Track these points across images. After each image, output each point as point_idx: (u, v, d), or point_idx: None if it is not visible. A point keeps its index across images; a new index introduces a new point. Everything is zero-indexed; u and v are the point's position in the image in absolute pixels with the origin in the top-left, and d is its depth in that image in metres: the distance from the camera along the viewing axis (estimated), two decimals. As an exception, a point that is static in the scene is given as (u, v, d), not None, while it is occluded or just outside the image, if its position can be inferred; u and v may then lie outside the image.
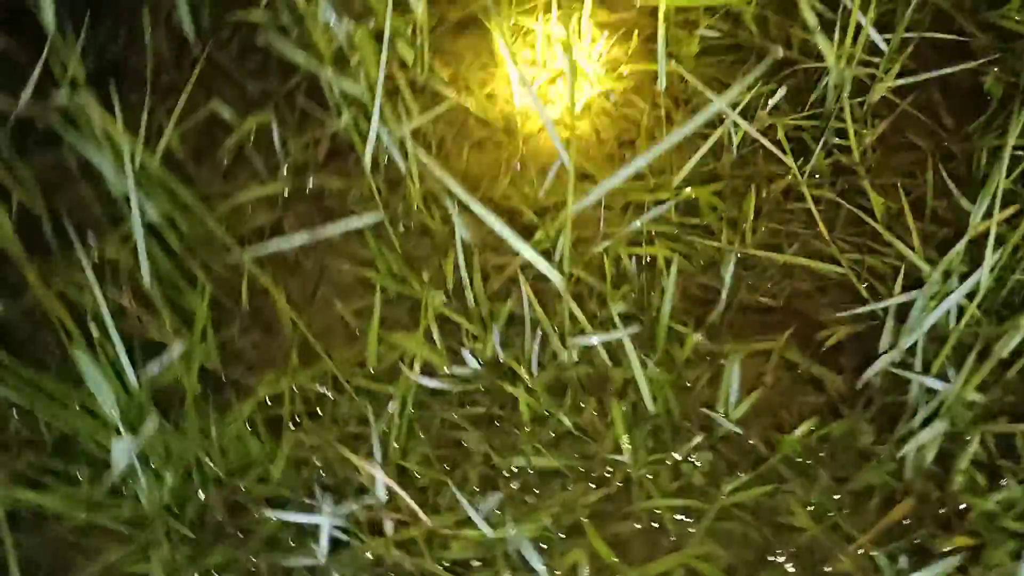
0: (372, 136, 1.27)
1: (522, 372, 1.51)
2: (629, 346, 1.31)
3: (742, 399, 1.50)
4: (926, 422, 1.36)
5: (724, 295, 1.46)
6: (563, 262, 1.11)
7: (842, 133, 1.75)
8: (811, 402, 1.56)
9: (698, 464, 1.48)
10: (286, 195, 1.75)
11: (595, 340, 1.29)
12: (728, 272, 1.43)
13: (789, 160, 1.62)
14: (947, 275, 1.35)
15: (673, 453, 1.47)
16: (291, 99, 1.83)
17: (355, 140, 1.68)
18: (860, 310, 1.54)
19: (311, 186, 1.76)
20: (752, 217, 1.68)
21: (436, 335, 1.54)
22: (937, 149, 1.84)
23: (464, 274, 1.51)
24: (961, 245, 1.29)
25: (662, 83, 1.33)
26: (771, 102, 1.73)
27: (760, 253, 1.65)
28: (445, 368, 1.53)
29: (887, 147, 1.81)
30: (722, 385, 1.50)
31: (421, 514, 1.28)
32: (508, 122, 1.86)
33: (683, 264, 1.65)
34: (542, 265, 1.09)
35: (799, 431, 1.46)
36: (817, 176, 1.75)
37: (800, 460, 1.48)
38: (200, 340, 1.47)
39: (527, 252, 1.08)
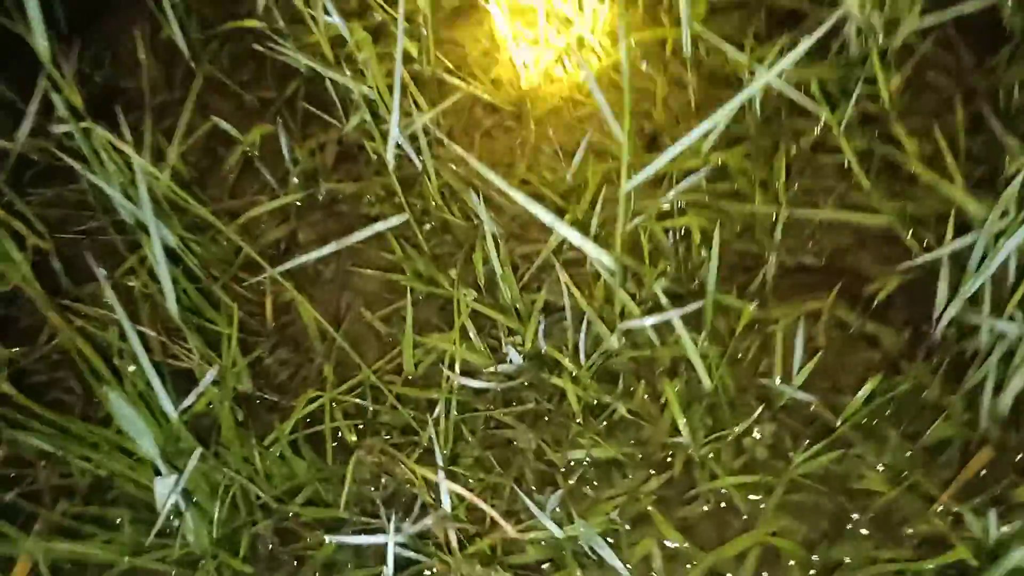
0: (393, 132, 1.21)
1: (567, 362, 1.45)
2: (679, 325, 1.24)
3: (801, 365, 1.44)
4: (999, 369, 1.30)
5: (774, 258, 1.39)
6: (614, 243, 1.05)
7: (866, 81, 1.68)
8: (869, 360, 1.49)
9: (760, 437, 1.41)
10: (299, 205, 1.68)
11: (648, 322, 1.23)
12: (777, 234, 1.37)
13: (825, 112, 1.55)
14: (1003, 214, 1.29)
15: (734, 428, 1.40)
16: (292, 105, 1.76)
17: (367, 140, 1.62)
18: (924, 259, 1.46)
19: (323, 193, 1.69)
20: (784, 176, 1.62)
21: (472, 333, 1.48)
22: (961, 88, 1.77)
23: (497, 266, 1.44)
24: (1019, 181, 1.23)
25: (687, 47, 1.27)
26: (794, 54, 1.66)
27: (800, 212, 1.59)
28: (486, 367, 1.46)
29: (911, 92, 1.74)
30: (776, 352, 1.44)
31: (503, 522, 1.22)
32: (517, 107, 1.79)
33: (716, 231, 1.59)
34: (592, 250, 1.03)
35: (862, 392, 1.40)
36: (843, 127, 1.69)
37: (866, 422, 1.42)
38: (231, 366, 1.40)
39: (576, 238, 1.01)
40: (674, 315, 1.16)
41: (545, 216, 1.02)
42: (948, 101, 1.73)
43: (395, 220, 1.36)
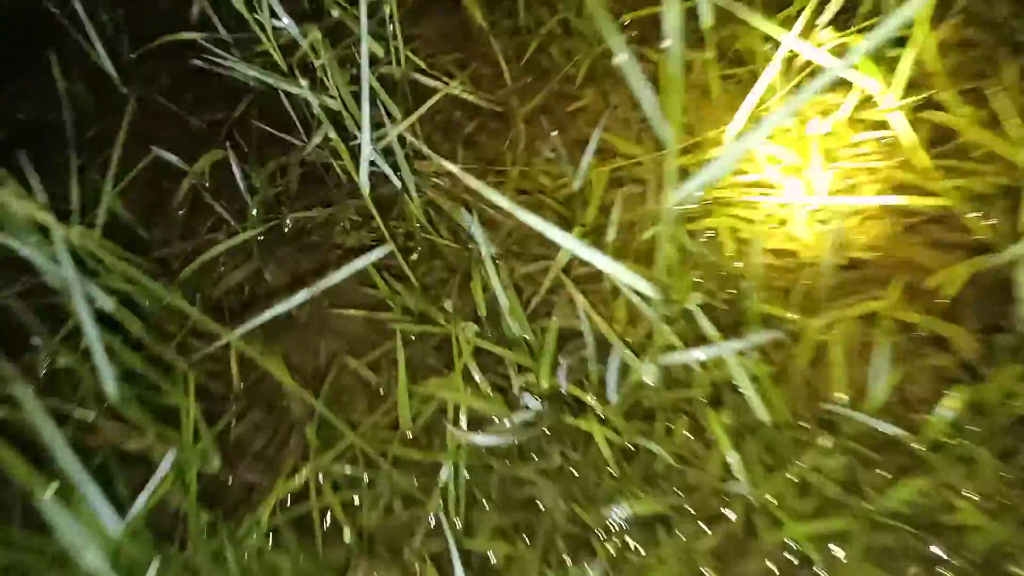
0: (365, 148, 0.98)
1: (591, 401, 1.23)
2: (729, 350, 1.02)
3: (868, 381, 1.22)
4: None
5: (830, 254, 1.17)
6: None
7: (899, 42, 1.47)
8: (941, 367, 1.27)
9: (830, 472, 1.19)
10: (261, 240, 1.46)
11: (695, 356, 1.00)
12: (838, 225, 1.14)
13: (876, 81, 1.33)
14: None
15: (798, 462, 1.18)
16: (244, 126, 1.53)
17: (334, 159, 1.39)
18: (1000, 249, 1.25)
19: (289, 224, 1.46)
20: (818, 159, 1.40)
21: (477, 375, 1.26)
22: (1001, 43, 1.56)
23: (499, 292, 1.22)
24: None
25: (706, 17, 1.05)
26: (821, 21, 1.45)
27: (840, 201, 1.37)
28: (497, 414, 1.24)
29: (949, 51, 1.52)
30: (834, 366, 1.22)
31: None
32: (503, 105, 1.57)
33: (749, 230, 1.37)
34: (624, 275, 0.81)
35: (944, 406, 1.18)
36: (866, 103, 1.47)
37: (950, 442, 1.20)
38: (193, 442, 1.17)
39: (601, 260, 0.79)
40: (728, 349, 0.94)
41: (555, 234, 0.79)
42: (987, 59, 1.52)
43: (377, 253, 1.13)
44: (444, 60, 1.62)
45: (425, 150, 0.71)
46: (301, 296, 1.03)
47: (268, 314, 1.03)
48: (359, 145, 1.26)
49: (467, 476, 1.20)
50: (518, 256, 1.43)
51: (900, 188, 1.40)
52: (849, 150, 1.44)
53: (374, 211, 1.09)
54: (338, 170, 1.46)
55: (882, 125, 1.45)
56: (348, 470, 1.21)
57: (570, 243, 0.81)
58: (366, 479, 1.22)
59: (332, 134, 1.36)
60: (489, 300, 1.30)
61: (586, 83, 1.61)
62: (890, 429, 1.14)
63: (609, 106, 1.59)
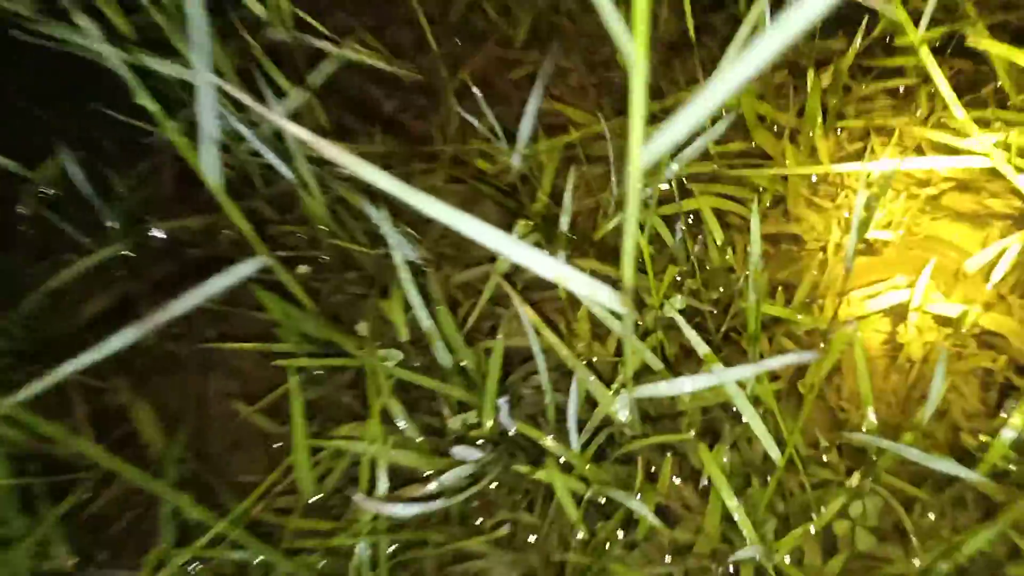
0: (204, 122, 0.70)
1: (549, 443, 0.96)
2: (728, 377, 0.74)
3: (903, 394, 0.96)
4: None
5: (841, 236, 0.91)
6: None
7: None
8: (990, 372, 1.02)
9: (861, 517, 0.93)
10: (126, 257, 1.17)
11: (681, 388, 0.72)
12: (862, 201, 0.88)
13: (897, 9, 1.07)
14: None
15: (820, 508, 0.92)
16: (100, 119, 1.24)
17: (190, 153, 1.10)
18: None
19: (161, 237, 1.18)
20: (820, 119, 1.13)
21: (401, 418, 0.98)
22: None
23: (420, 312, 0.95)
24: None
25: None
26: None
27: (851, 168, 1.10)
28: (428, 469, 0.97)
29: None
30: (856, 380, 0.96)
31: None
32: (428, 76, 1.29)
33: (739, 212, 1.11)
34: (581, 283, 0.54)
35: (1001, 423, 0.92)
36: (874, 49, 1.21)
37: (1013, 468, 0.94)
38: (28, 533, 0.89)
39: (545, 264, 0.52)
40: (727, 376, 0.67)
41: (482, 231, 0.52)
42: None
43: (250, 266, 0.85)
44: (352, 23, 1.34)
45: (313, 139, 0.49)
46: (131, 334, 0.75)
47: (112, 345, 0.75)
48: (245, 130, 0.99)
49: (391, 554, 0.92)
50: (453, 261, 1.15)
51: (923, 149, 1.14)
52: (857, 106, 1.17)
53: (233, 212, 0.80)
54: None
55: (894, 73, 1.19)
56: (236, 555, 0.93)
57: (503, 243, 0.54)
58: (257, 564, 0.94)
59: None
60: (414, 320, 1.03)
61: (529, 45, 1.34)
62: (939, 463, 0.87)
63: (558, 71, 1.31)
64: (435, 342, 1.01)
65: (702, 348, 0.88)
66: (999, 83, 1.15)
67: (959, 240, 1.12)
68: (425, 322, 0.97)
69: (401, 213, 1.20)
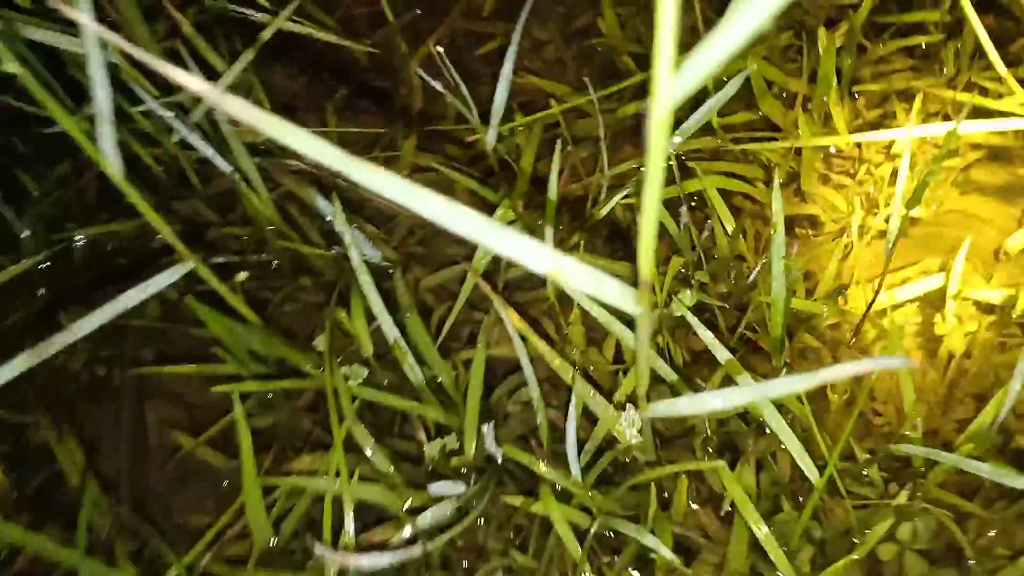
0: (100, 104, 0.56)
1: (543, 469, 0.83)
2: (754, 393, 0.61)
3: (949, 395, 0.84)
4: None
5: (897, 212, 0.78)
6: (641, 247, 0.42)
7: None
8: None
9: (914, 542, 0.81)
10: (45, 269, 1.03)
11: (712, 404, 0.59)
12: (905, 173, 0.75)
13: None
14: None
15: (865, 532, 0.80)
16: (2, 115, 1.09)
17: (138, 145, 0.97)
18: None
19: (82, 245, 1.04)
20: (834, 84, 1.01)
21: (368, 447, 0.85)
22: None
23: (386, 322, 0.82)
24: None
25: None
26: None
27: (874, 136, 0.98)
28: (402, 507, 0.83)
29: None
30: (902, 386, 0.83)
31: None
32: (386, 51, 1.16)
33: (749, 192, 0.99)
34: (599, 282, 0.41)
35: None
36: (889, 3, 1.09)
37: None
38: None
39: (539, 257, 0.39)
40: (764, 391, 0.54)
41: (458, 219, 0.39)
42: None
43: (168, 277, 0.72)
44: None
45: (230, 103, 0.39)
46: (22, 363, 0.62)
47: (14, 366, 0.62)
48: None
49: (361, 611, 0.79)
50: (423, 260, 1.02)
51: (950, 115, 1.02)
52: (874, 68, 1.05)
53: (141, 205, 0.66)
54: (148, 160, 1.03)
55: (914, 30, 1.07)
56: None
57: (484, 232, 0.41)
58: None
59: (131, 107, 0.94)
60: (379, 331, 0.89)
61: (498, 15, 1.21)
62: (1007, 477, 0.75)
63: (533, 43, 1.19)
64: (404, 356, 0.87)
65: (722, 353, 0.75)
66: (1031, 36, 1.04)
67: (994, 215, 1.01)
68: (391, 333, 0.84)
69: (360, 208, 1.07)
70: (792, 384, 0.52)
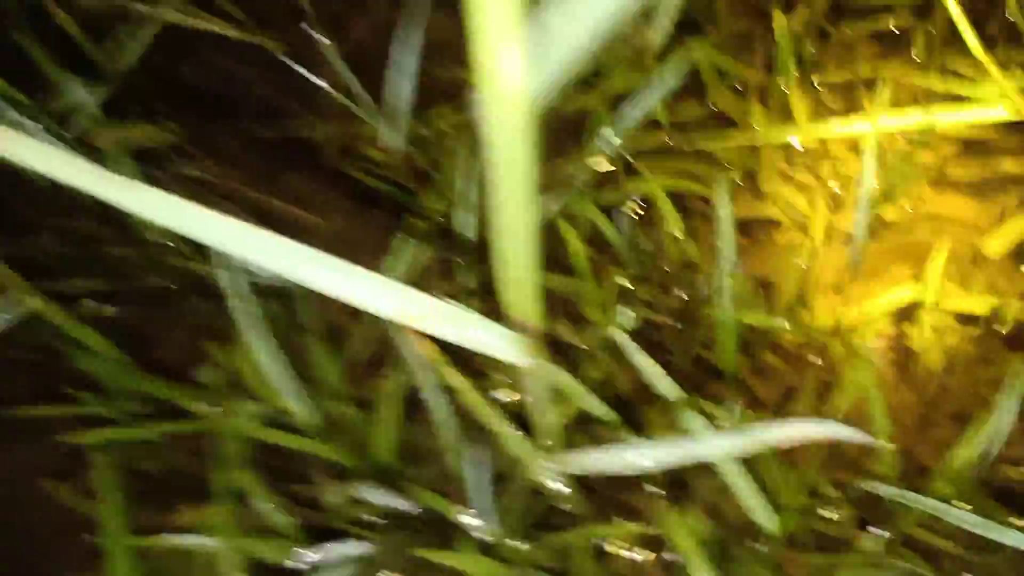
0: None
1: (461, 517, 0.72)
2: (684, 451, 0.51)
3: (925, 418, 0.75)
4: None
5: (862, 215, 0.69)
6: (509, 282, 0.32)
7: None
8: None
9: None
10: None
11: (642, 460, 0.47)
12: (871, 170, 0.66)
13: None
14: None
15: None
16: None
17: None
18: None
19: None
20: (793, 73, 0.92)
21: (256, 493, 0.74)
22: None
23: (261, 351, 0.71)
24: None
25: None
26: None
27: (831, 128, 0.89)
28: (297, 562, 0.73)
29: None
30: (874, 415, 0.74)
31: None
32: (298, 47, 1.06)
33: (701, 193, 0.89)
34: (476, 332, 0.31)
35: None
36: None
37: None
38: None
39: (436, 323, 0.29)
40: (704, 449, 0.43)
41: (255, 245, 0.28)
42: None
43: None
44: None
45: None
46: None
47: None
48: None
49: None
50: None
51: (923, 100, 0.93)
52: (838, 55, 0.96)
53: None
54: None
55: (881, 12, 0.98)
56: None
57: (293, 261, 0.30)
58: None
59: None
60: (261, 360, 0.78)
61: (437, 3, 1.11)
62: (990, 528, 0.65)
63: (462, 30, 1.08)
64: (289, 392, 0.77)
65: (665, 386, 0.65)
66: (1008, 14, 0.95)
67: (972, 215, 0.91)
68: (270, 368, 0.73)
69: (267, 216, 0.96)
70: (729, 442, 0.42)
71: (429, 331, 0.33)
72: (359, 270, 0.30)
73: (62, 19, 0.94)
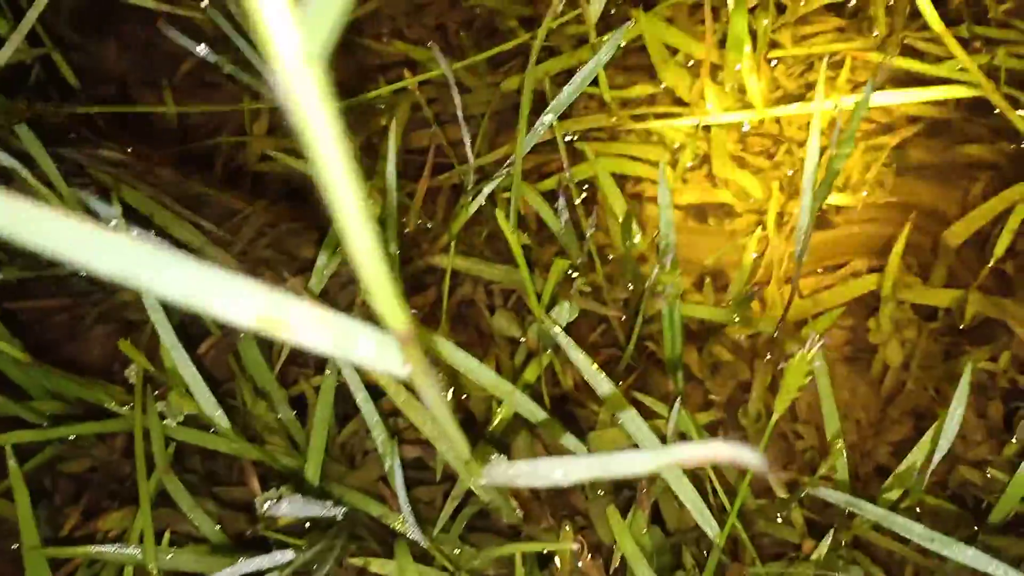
0: None
1: (398, 523, 0.71)
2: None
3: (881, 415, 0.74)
4: None
5: (807, 202, 0.67)
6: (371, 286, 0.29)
7: None
8: (987, 374, 0.80)
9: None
10: None
11: (556, 475, 0.46)
12: (815, 155, 0.64)
13: None
14: None
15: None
16: None
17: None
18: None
19: None
20: (748, 49, 0.89)
21: (183, 498, 0.72)
22: None
23: (173, 351, 0.69)
24: None
25: None
26: None
27: (788, 113, 0.87)
28: (228, 571, 0.70)
29: None
30: (824, 416, 0.73)
31: None
32: (222, 12, 1.02)
33: (648, 177, 0.87)
34: (366, 351, 0.28)
35: (1015, 445, 0.70)
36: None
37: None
38: None
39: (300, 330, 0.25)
40: (602, 468, 0.42)
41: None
42: None
43: None
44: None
45: None
46: None
47: None
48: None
49: None
50: (277, 265, 0.89)
51: (882, 83, 0.91)
52: (795, 30, 0.93)
53: None
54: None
55: (841, -14, 0.96)
56: None
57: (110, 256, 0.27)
58: None
59: None
60: (212, 357, 0.76)
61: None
62: (927, 537, 0.64)
63: (411, 5, 1.05)
64: (199, 392, 0.74)
65: (601, 385, 0.63)
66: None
67: (933, 201, 0.90)
68: (184, 369, 0.71)
69: (198, 205, 0.93)
70: (642, 461, 0.40)
71: (297, 341, 0.30)
72: (212, 272, 0.27)
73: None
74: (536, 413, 0.67)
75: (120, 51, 1.07)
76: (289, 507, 0.74)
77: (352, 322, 0.32)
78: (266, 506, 0.74)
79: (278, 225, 0.96)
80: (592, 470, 0.45)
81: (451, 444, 0.59)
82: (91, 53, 1.07)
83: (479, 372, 0.67)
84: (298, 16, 0.20)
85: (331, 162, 0.25)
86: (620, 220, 0.83)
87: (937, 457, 0.64)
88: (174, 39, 0.94)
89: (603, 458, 0.45)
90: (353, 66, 1.03)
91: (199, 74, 1.05)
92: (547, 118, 0.74)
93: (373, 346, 0.33)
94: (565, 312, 0.72)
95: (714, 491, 0.72)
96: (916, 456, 0.68)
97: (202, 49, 0.86)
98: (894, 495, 0.68)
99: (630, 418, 0.64)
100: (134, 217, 0.90)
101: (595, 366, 0.66)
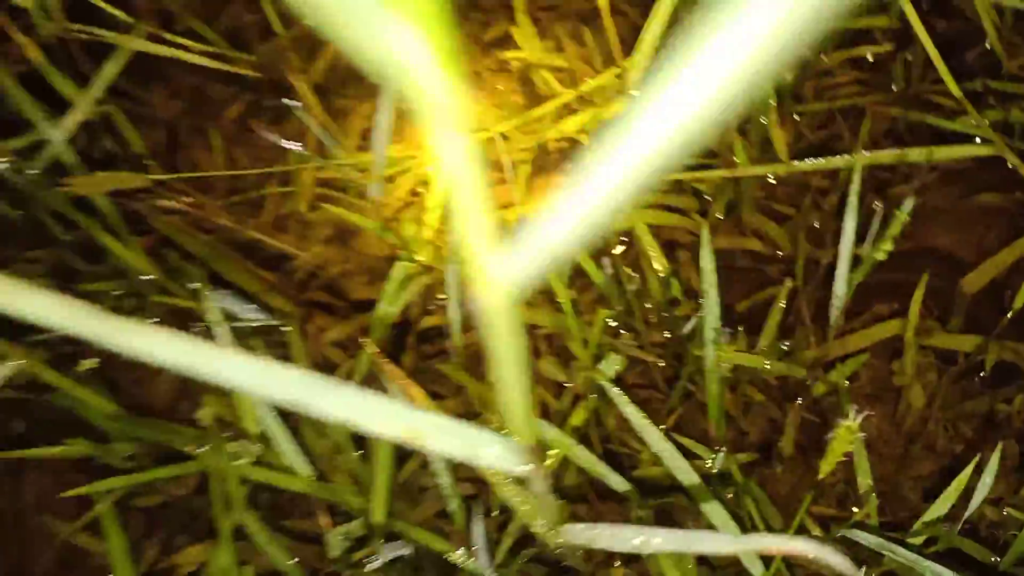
0: None
1: (459, 558, 0.78)
2: (681, 540, 0.57)
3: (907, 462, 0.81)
4: None
5: (846, 256, 0.75)
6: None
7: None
8: (1001, 416, 0.88)
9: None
10: None
11: (634, 541, 0.53)
12: (853, 208, 0.72)
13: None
14: None
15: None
16: None
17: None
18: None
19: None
20: (772, 102, 0.97)
21: (259, 534, 0.79)
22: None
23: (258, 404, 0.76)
24: None
25: None
26: None
27: (811, 166, 0.94)
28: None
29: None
30: (857, 471, 0.80)
31: None
32: (270, 70, 1.09)
33: (681, 226, 0.94)
34: (491, 454, 0.36)
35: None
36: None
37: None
38: None
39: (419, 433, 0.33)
40: (682, 543, 0.49)
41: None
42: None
43: None
44: (177, 8, 1.11)
45: None
46: None
47: None
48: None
49: None
50: (329, 309, 0.96)
51: (901, 132, 0.99)
52: (817, 83, 1.01)
53: None
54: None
55: (860, 39, 1.03)
56: None
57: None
58: None
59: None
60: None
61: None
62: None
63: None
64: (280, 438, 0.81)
65: (649, 433, 0.70)
66: (988, 44, 1.00)
67: (950, 247, 0.97)
68: (264, 415, 0.78)
69: (251, 251, 1.00)
70: (724, 544, 0.48)
71: (432, 448, 0.38)
72: (359, 394, 0.35)
73: (25, 45, 0.96)
74: (594, 465, 0.74)
75: (168, 98, 1.13)
76: (359, 541, 0.81)
77: (480, 433, 0.39)
78: (337, 540, 0.82)
79: (327, 268, 1.03)
80: (670, 544, 0.52)
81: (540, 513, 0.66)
82: (139, 100, 1.13)
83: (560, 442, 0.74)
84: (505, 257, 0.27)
85: (510, 353, 0.33)
86: (660, 274, 0.90)
87: (972, 506, 0.71)
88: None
89: (685, 535, 0.53)
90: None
91: (244, 119, 1.12)
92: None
93: (498, 452, 0.40)
94: (614, 364, 0.79)
95: (753, 524, 0.79)
96: (946, 501, 0.75)
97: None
98: (921, 536, 0.75)
99: (682, 470, 0.71)
100: (193, 261, 0.97)
101: (644, 416, 0.73)
